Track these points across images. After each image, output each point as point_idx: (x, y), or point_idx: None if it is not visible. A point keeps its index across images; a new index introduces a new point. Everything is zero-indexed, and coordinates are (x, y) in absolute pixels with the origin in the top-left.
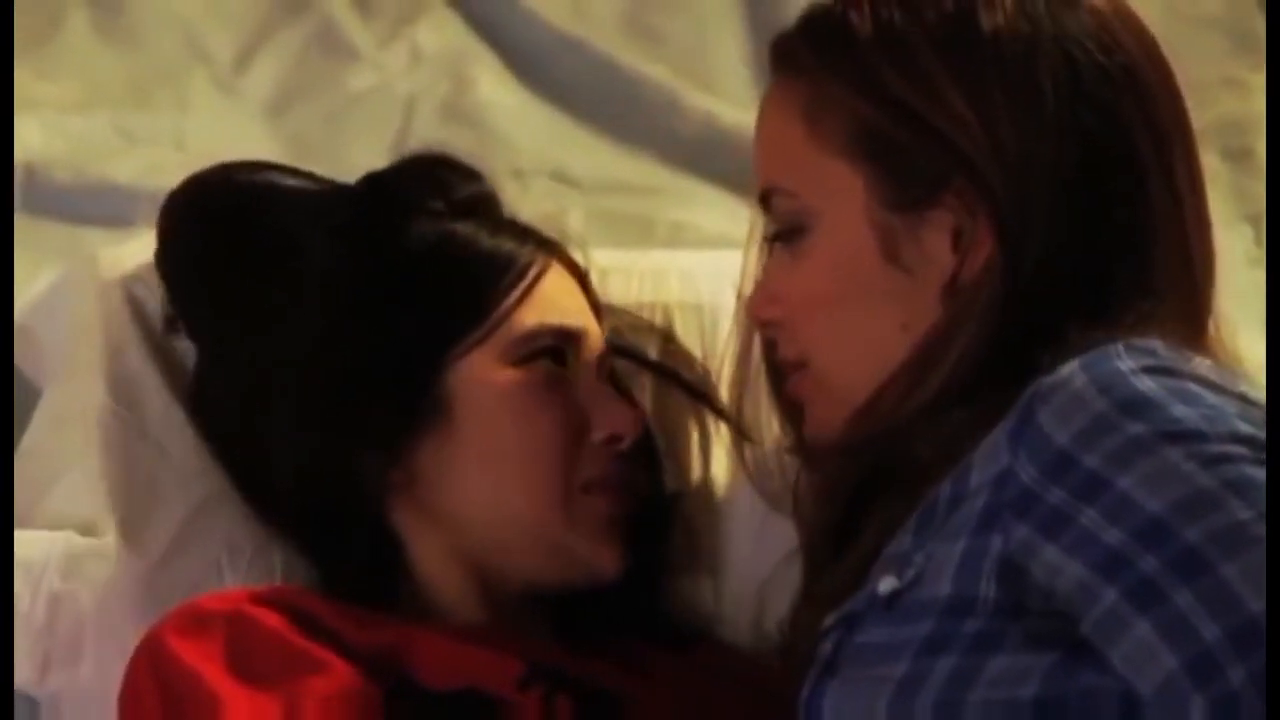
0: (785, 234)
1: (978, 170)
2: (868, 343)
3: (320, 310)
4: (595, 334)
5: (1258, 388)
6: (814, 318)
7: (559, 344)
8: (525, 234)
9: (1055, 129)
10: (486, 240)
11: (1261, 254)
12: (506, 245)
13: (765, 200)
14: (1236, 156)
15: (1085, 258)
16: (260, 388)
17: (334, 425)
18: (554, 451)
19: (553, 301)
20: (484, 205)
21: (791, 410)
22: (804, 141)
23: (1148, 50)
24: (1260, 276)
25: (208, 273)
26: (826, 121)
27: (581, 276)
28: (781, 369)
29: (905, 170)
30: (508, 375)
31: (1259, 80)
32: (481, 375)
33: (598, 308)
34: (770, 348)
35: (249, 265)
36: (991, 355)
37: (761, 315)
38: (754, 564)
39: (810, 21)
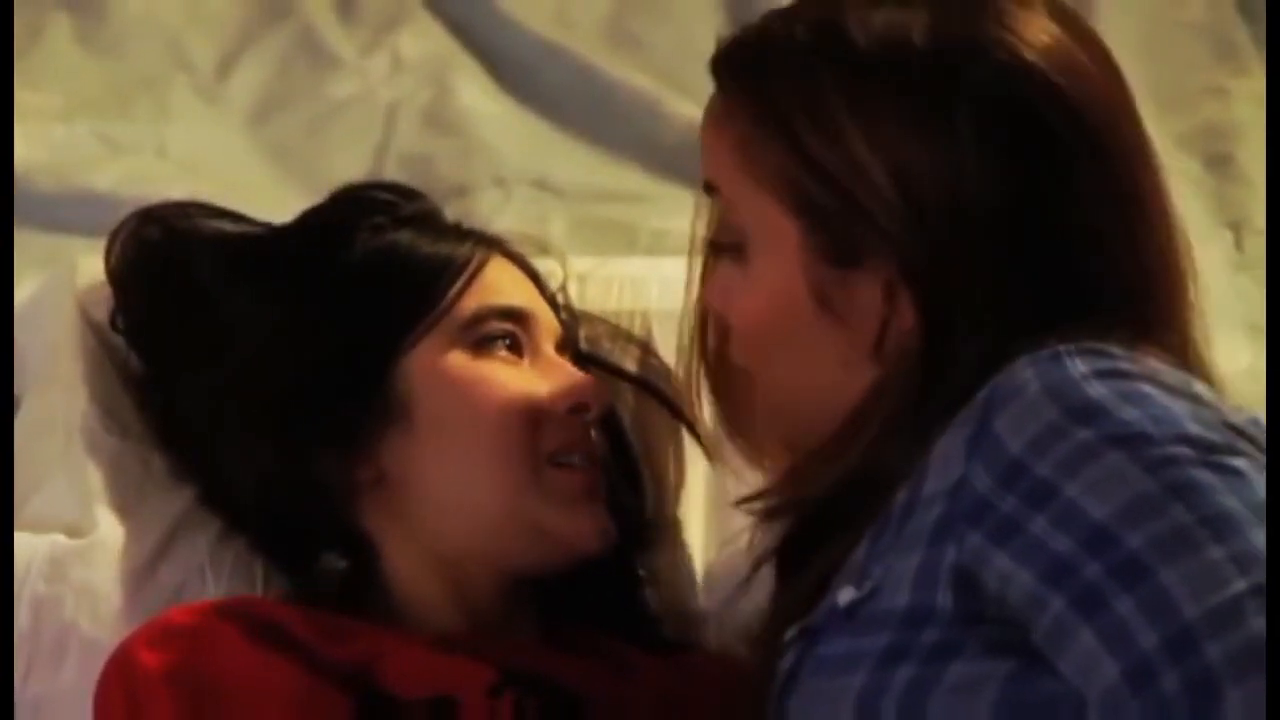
0: (727, 246)
1: (898, 246)
2: (808, 378)
3: (264, 331)
4: (546, 317)
5: (1240, 394)
6: (755, 341)
7: (508, 326)
8: (465, 234)
9: (980, 180)
10: (427, 246)
11: (1242, 259)
12: (446, 246)
13: (709, 190)
14: (1217, 163)
15: (1027, 289)
16: (215, 409)
17: (289, 429)
18: (515, 424)
19: (494, 287)
20: (426, 219)
21: (732, 411)
22: (741, 173)
23: (1083, 66)
24: (1242, 282)
25: (151, 321)
26: (759, 166)
27: (530, 271)
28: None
29: (832, 233)
30: (459, 358)
31: (1240, 87)
32: (432, 363)
33: (554, 303)
34: (725, 341)
35: (186, 310)
36: (934, 396)
37: (714, 306)
38: (731, 570)
39: (738, 51)
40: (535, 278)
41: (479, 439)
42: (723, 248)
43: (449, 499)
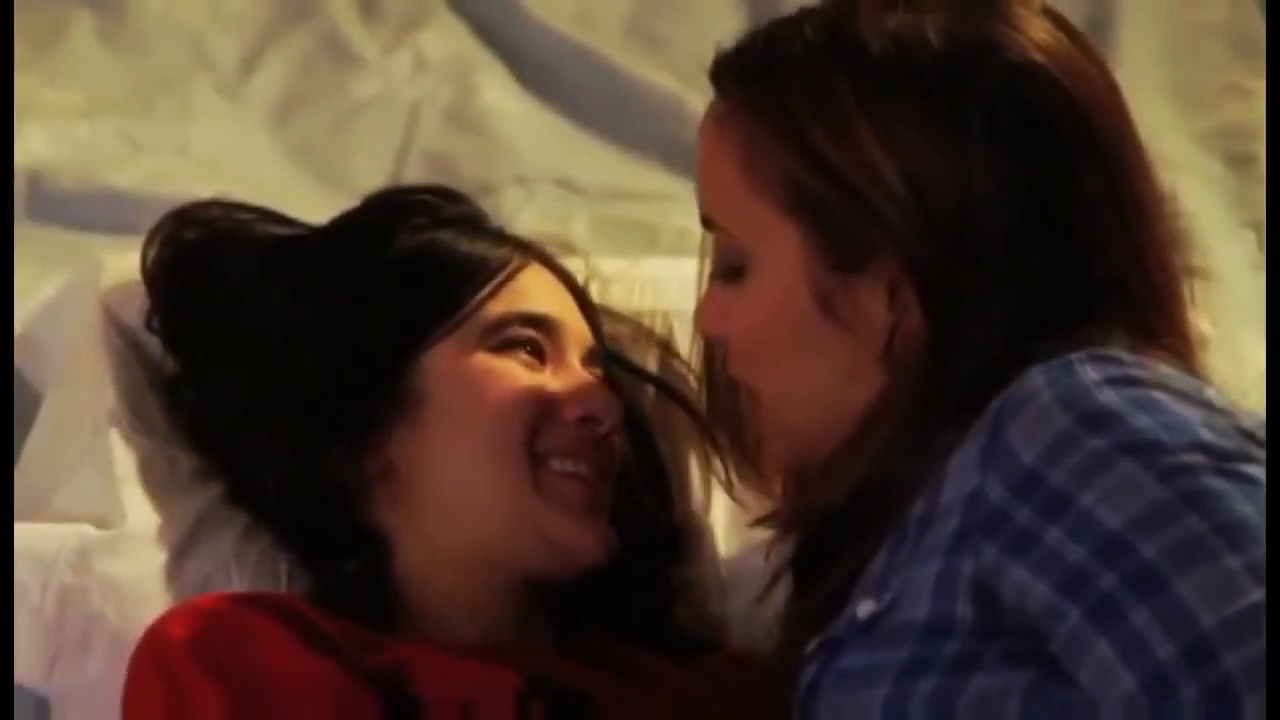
0: (725, 271)
1: (906, 245)
2: (812, 390)
3: (298, 331)
4: (575, 325)
5: (1258, 392)
6: (756, 356)
7: (530, 332)
8: (503, 238)
9: (989, 180)
10: (464, 245)
11: (1264, 259)
12: (481, 247)
13: (707, 225)
14: (1239, 162)
15: (1032, 288)
16: (244, 408)
17: (305, 424)
18: (513, 417)
19: (523, 293)
20: (468, 221)
21: (733, 428)
22: (740, 184)
23: (1084, 68)
24: (1263, 281)
25: (187, 321)
26: (761, 170)
27: (566, 278)
28: (730, 384)
29: (837, 234)
30: (477, 358)
31: (1261, 86)
32: (451, 361)
33: (588, 309)
34: (723, 361)
35: (222, 311)
36: (942, 400)
37: (709, 331)
38: (754, 573)
39: (743, 55)
40: (572, 287)
41: (478, 429)
42: (722, 273)
43: (452, 493)
